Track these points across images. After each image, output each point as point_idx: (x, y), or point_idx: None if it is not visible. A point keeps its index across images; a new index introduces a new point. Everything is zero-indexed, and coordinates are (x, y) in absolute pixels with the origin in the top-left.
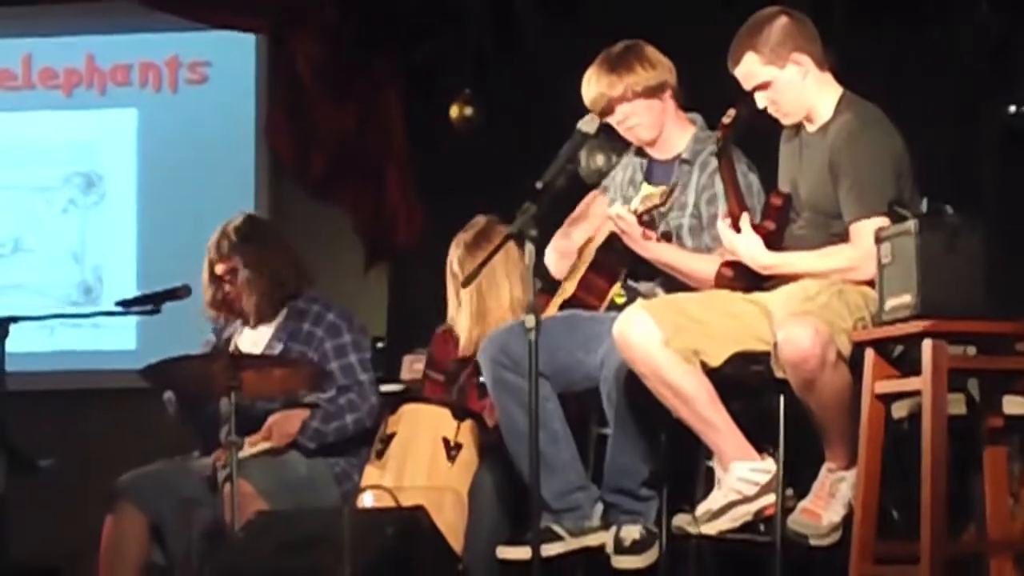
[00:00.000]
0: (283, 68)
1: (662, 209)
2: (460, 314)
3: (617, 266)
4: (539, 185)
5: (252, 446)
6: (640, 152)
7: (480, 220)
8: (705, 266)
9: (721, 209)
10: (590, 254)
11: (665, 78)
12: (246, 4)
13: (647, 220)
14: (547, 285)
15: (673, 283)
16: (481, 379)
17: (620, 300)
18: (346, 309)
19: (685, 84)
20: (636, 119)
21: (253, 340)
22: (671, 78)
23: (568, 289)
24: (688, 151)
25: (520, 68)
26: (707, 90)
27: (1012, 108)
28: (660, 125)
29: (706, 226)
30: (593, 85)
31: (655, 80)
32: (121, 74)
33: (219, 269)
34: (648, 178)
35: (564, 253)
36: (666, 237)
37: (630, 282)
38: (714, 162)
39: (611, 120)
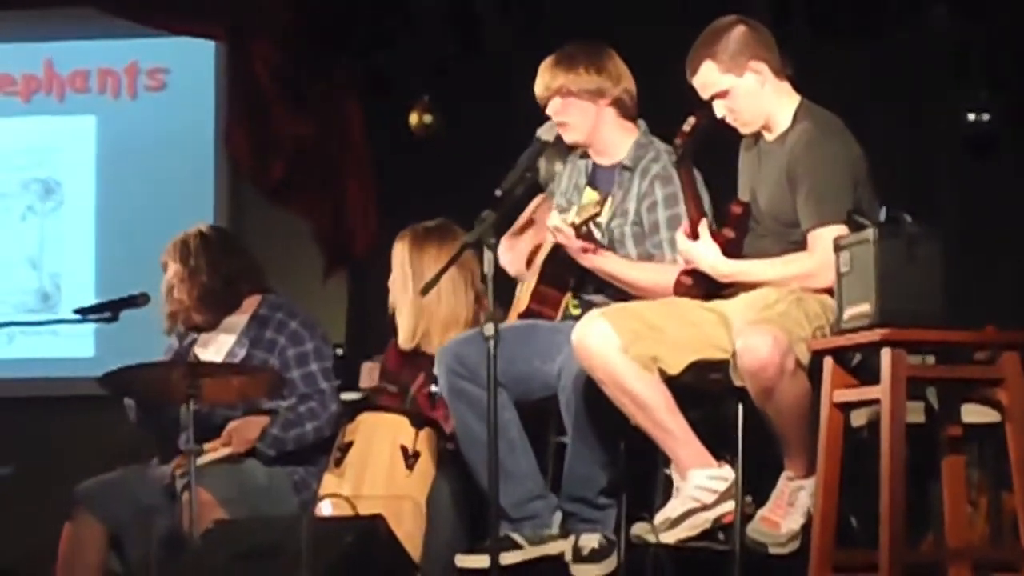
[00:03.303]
0: (242, 74)
1: (599, 219)
2: (401, 306)
3: (566, 275)
4: (498, 193)
5: (211, 452)
6: (585, 156)
7: (433, 220)
8: (646, 275)
9: (661, 216)
10: (538, 266)
11: (605, 85)
12: (204, 10)
13: (586, 231)
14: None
15: (622, 293)
16: (432, 389)
17: (575, 312)
18: (309, 317)
19: (644, 93)
20: (564, 118)
21: (215, 348)
22: (614, 88)
23: (522, 302)
24: (629, 158)
25: (480, 73)
26: (667, 98)
27: (971, 116)
28: (589, 131)
29: (647, 233)
30: (538, 78)
31: (592, 85)
32: (80, 80)
33: (165, 278)
34: (592, 183)
35: (514, 251)
36: (609, 245)
37: (583, 295)
38: (654, 168)
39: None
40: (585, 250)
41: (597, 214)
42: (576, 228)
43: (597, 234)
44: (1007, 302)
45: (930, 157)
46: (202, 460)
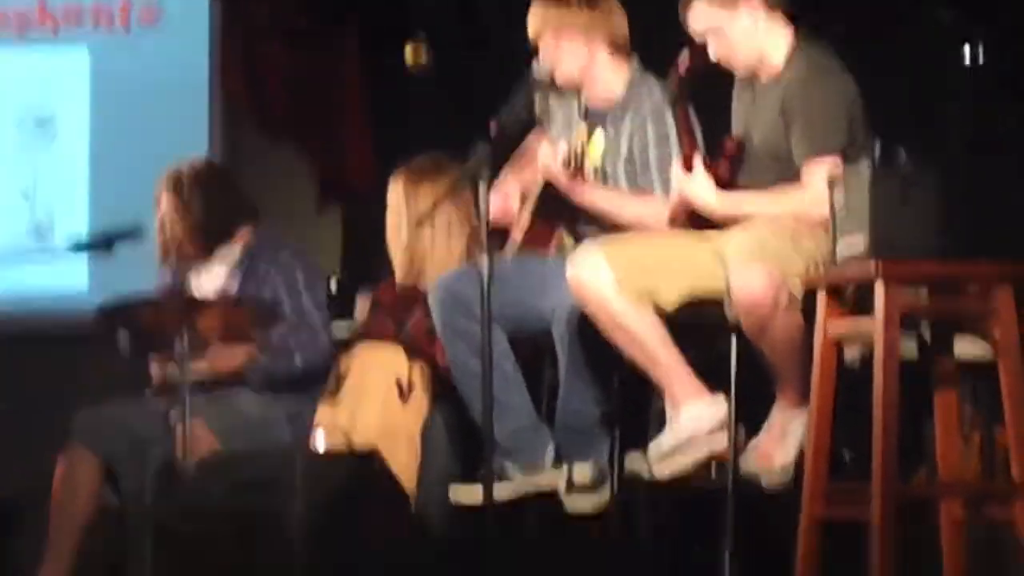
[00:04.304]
0: (237, 9)
1: (591, 156)
2: (396, 246)
3: (560, 210)
4: (493, 128)
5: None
6: (578, 93)
7: (428, 157)
8: (637, 209)
9: (652, 155)
10: (532, 201)
11: (597, 22)
12: None
13: (576, 168)
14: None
15: (615, 229)
16: (431, 324)
17: (569, 247)
18: (301, 249)
19: (635, 27)
20: (555, 55)
21: (208, 279)
22: (606, 24)
23: (516, 237)
24: (623, 95)
25: (475, 9)
26: (661, 36)
27: (967, 56)
28: (581, 68)
29: (640, 170)
30: (530, 15)
31: (584, 21)
32: (72, 15)
33: (158, 210)
34: (585, 120)
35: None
36: (602, 182)
37: (577, 230)
38: (647, 106)
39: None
40: (575, 187)
41: (587, 151)
42: (567, 164)
43: (589, 171)
44: (1001, 234)
45: (933, 91)
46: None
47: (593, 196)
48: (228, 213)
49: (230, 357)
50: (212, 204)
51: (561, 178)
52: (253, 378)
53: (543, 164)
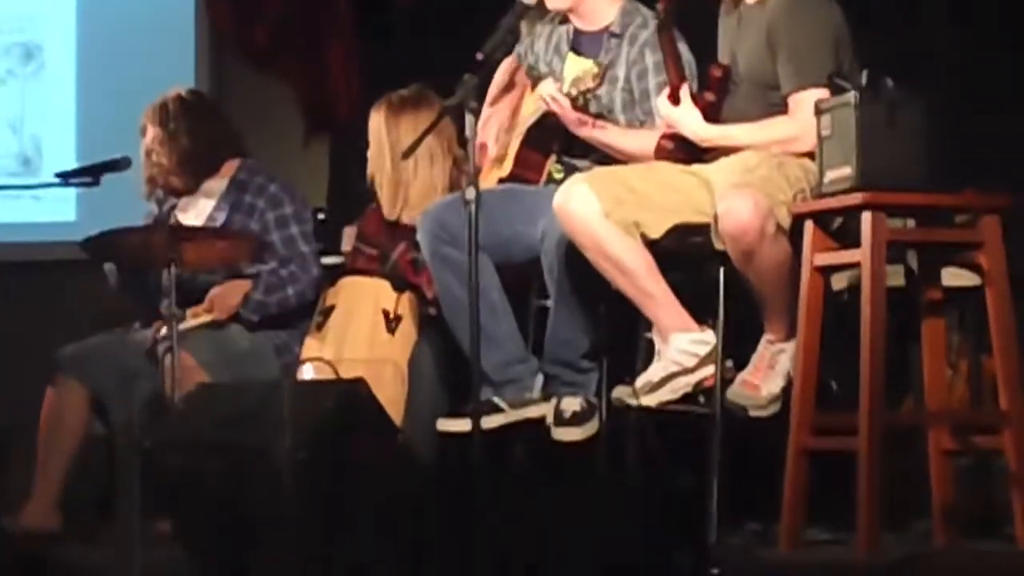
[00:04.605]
0: None
1: (598, 93)
2: (380, 178)
3: (551, 139)
4: (479, 56)
5: (195, 317)
6: (565, 20)
7: (409, 88)
8: (640, 142)
9: (652, 83)
10: (522, 130)
11: None
12: None
13: (581, 104)
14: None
15: (606, 158)
16: (415, 255)
17: (558, 176)
18: (288, 182)
19: None
20: None
21: (195, 212)
22: None
23: (504, 167)
24: (617, 24)
25: None
26: None
27: None
28: None
29: (638, 100)
30: None
31: None
32: None
33: (144, 142)
34: (575, 49)
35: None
36: (598, 115)
37: (567, 158)
38: (643, 35)
39: None
40: (582, 123)
41: (597, 86)
42: (572, 100)
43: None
44: (988, 165)
45: (919, 18)
46: (185, 325)
47: (601, 133)
48: (215, 144)
49: (230, 296)
50: (199, 135)
51: (567, 113)
52: (247, 312)
53: (550, 96)
